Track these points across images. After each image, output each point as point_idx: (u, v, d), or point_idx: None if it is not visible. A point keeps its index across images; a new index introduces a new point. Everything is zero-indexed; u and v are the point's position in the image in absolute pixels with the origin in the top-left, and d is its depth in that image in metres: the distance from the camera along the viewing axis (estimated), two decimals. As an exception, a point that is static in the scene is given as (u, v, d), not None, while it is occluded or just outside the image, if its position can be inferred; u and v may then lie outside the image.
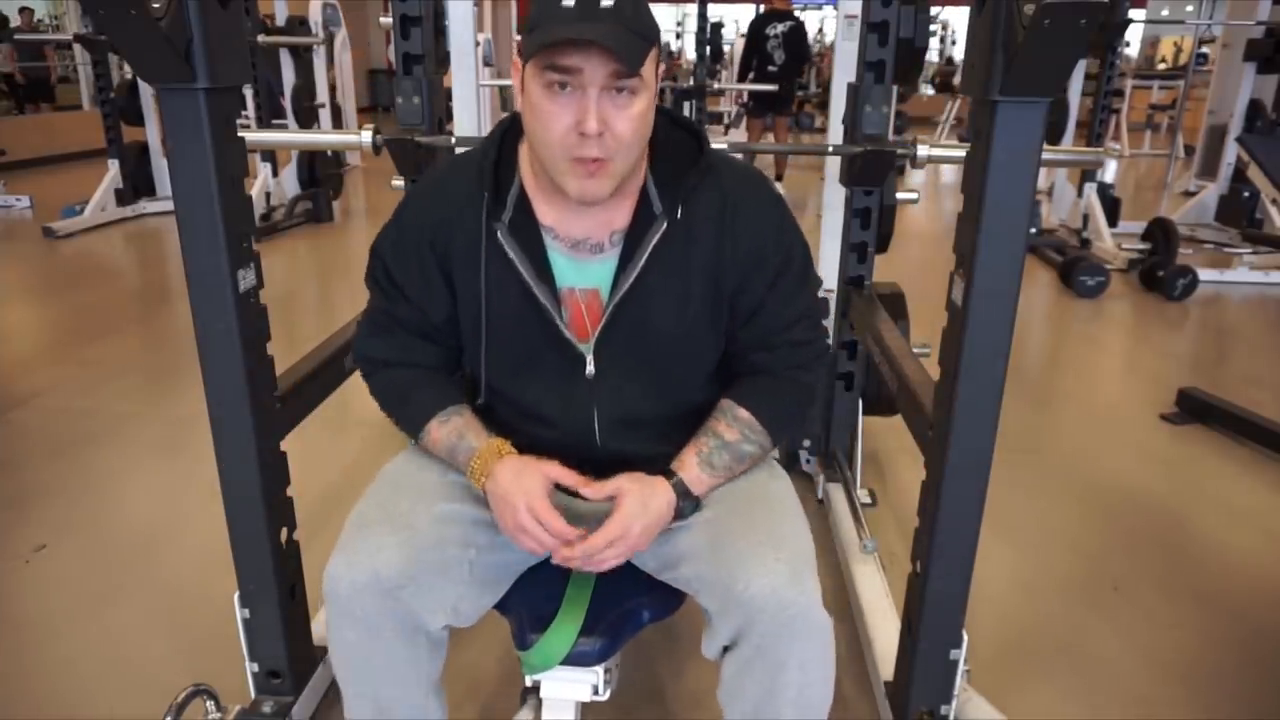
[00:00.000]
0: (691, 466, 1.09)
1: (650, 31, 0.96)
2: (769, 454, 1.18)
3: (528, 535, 1.02)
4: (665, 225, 1.06)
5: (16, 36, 9.44)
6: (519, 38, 1.02)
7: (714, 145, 1.12)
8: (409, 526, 1.04)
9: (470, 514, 1.09)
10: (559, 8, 0.93)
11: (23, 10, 10.53)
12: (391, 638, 1.03)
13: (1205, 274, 4.64)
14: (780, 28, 7.10)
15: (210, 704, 1.35)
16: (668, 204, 1.06)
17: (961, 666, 1.32)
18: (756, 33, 7.21)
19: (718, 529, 1.06)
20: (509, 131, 1.10)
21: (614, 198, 1.04)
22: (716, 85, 8.24)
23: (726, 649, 1.02)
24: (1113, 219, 5.45)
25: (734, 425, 1.11)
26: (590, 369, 1.09)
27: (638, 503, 1.03)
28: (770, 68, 7.13)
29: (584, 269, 1.09)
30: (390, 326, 1.15)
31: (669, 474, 1.08)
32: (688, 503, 1.07)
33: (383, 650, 1.04)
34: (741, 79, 7.53)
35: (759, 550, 1.00)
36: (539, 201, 1.09)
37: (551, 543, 1.02)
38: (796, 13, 7.45)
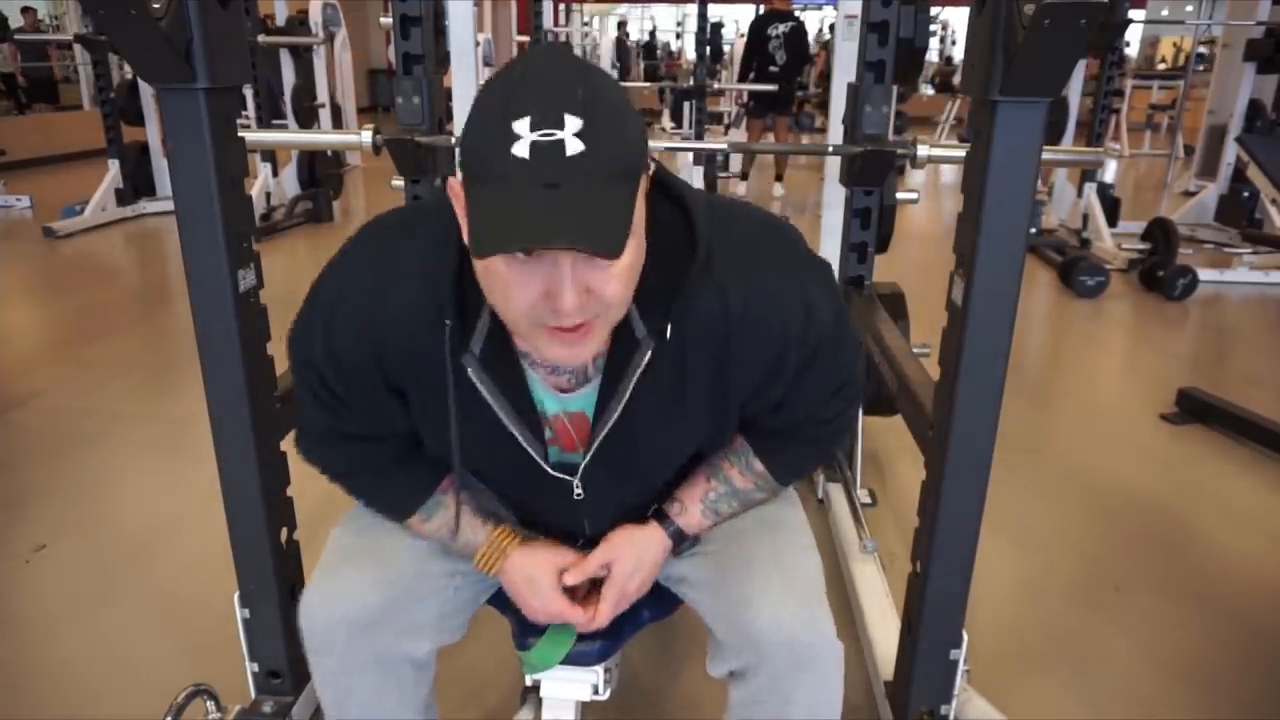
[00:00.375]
0: (694, 513, 1.03)
1: (633, 160, 0.73)
2: (774, 496, 1.09)
3: (538, 613, 1.02)
4: (651, 351, 0.86)
5: (17, 36, 9.44)
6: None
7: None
8: (389, 561, 1.00)
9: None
10: (508, 160, 0.69)
11: (25, 10, 10.52)
12: (373, 669, 1.00)
13: (1205, 274, 4.64)
14: (782, 28, 7.12)
15: (210, 704, 1.35)
16: (654, 323, 0.85)
17: (961, 666, 1.32)
18: (758, 33, 7.23)
19: (723, 557, 1.02)
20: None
21: None
22: (716, 85, 8.24)
23: (733, 672, 1.00)
24: (1113, 219, 5.45)
25: (747, 474, 1.03)
26: (578, 493, 0.99)
27: (630, 564, 1.01)
28: (771, 68, 7.14)
29: (565, 401, 0.94)
30: (339, 440, 0.99)
31: (662, 517, 1.03)
32: (685, 545, 1.04)
33: (365, 682, 1.01)
34: (742, 79, 7.55)
35: (767, 581, 0.96)
36: None
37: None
38: (796, 13, 7.47)
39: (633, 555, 1.01)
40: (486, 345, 0.87)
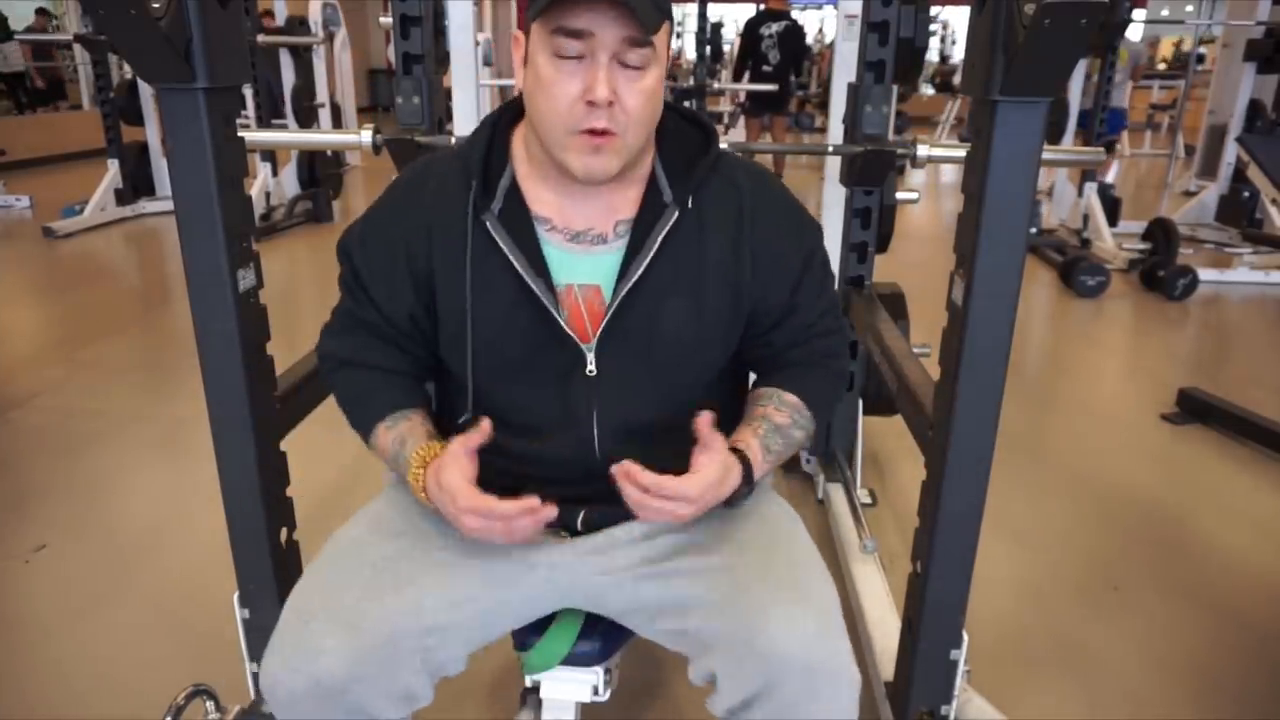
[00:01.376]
0: (755, 449, 1.01)
1: (665, 1, 0.90)
2: (810, 439, 1.11)
3: (489, 533, 0.93)
4: (676, 215, 0.99)
5: (18, 36, 9.43)
6: (517, 32, 0.97)
7: (695, 111, 1.10)
8: (354, 624, 0.93)
9: (430, 601, 0.97)
10: None
11: (39, 11, 10.49)
12: None
13: (1205, 274, 4.65)
14: (775, 27, 7.09)
15: (210, 704, 1.35)
16: (679, 193, 1.00)
17: (961, 666, 1.32)
18: (751, 32, 7.20)
19: (731, 575, 0.96)
20: (499, 122, 1.04)
21: (620, 183, 0.98)
22: (716, 85, 8.24)
23: (742, 702, 0.91)
24: (1113, 219, 5.46)
25: (783, 409, 1.06)
26: (591, 368, 1.00)
27: (718, 471, 0.94)
28: (765, 68, 7.13)
29: (584, 262, 1.00)
30: (353, 327, 1.08)
31: (739, 454, 0.98)
32: (745, 488, 0.99)
33: None
34: (737, 79, 7.53)
35: (782, 601, 0.91)
36: (534, 190, 1.01)
37: (515, 528, 0.92)
38: (795, 13, 7.44)
39: (723, 467, 0.94)
40: (504, 204, 1.00)
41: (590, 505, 1.05)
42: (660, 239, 0.98)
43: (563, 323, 0.98)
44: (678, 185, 1.00)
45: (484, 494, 0.91)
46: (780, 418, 1.06)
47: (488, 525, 0.92)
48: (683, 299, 1.00)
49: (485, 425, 0.94)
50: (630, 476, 0.90)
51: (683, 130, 1.04)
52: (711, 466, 0.93)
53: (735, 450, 0.99)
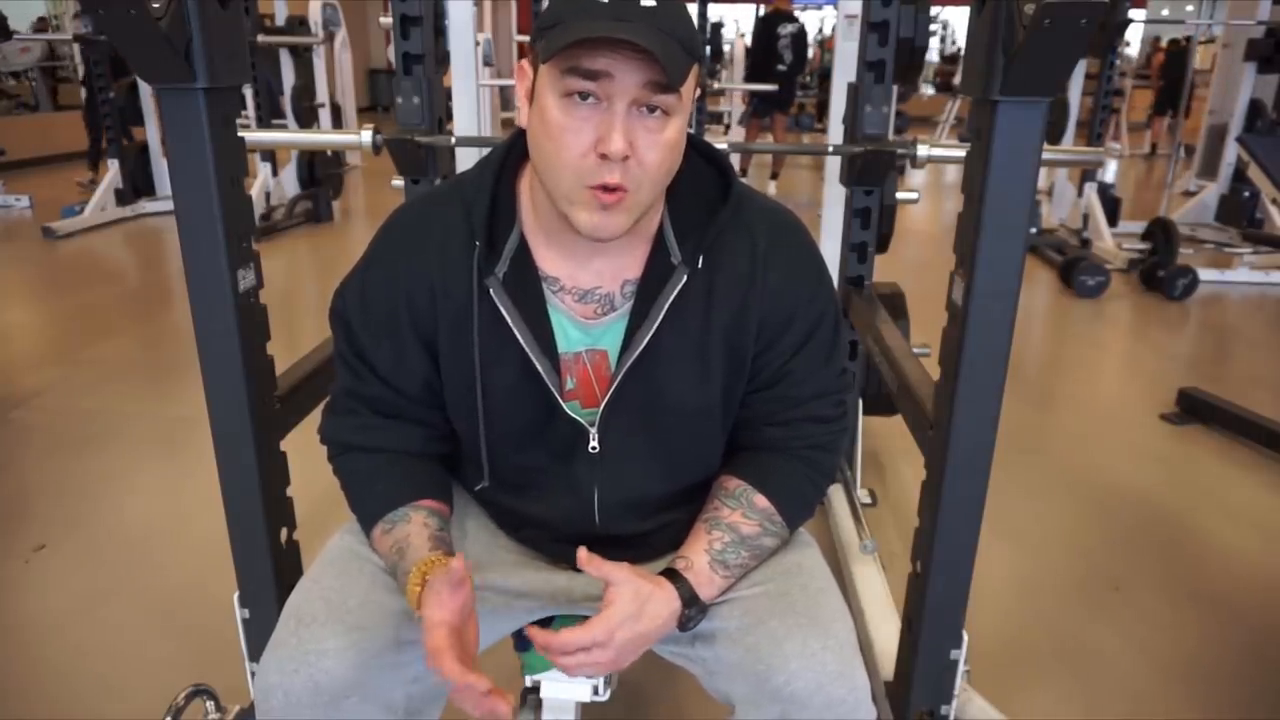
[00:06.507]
0: (702, 568, 0.92)
1: (694, 44, 0.81)
2: (783, 542, 1.02)
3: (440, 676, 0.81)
4: (685, 278, 0.91)
5: (17, 36, 9.40)
6: (521, 38, 0.89)
7: (714, 146, 1.06)
8: (359, 626, 0.90)
9: None
10: (588, 2, 0.78)
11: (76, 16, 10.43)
12: None
13: (1205, 274, 4.65)
14: (790, 28, 7.39)
15: (210, 704, 1.35)
16: (688, 252, 0.92)
17: (961, 666, 1.32)
18: (768, 32, 7.44)
19: (747, 607, 0.93)
20: (505, 164, 0.95)
21: (628, 240, 0.89)
22: (716, 85, 8.28)
23: None
24: (1113, 219, 5.46)
25: (752, 516, 0.96)
26: (594, 444, 0.96)
27: (630, 605, 0.86)
28: (780, 67, 7.35)
29: (591, 331, 0.94)
30: (354, 408, 1.00)
31: (673, 575, 0.91)
32: (694, 610, 0.91)
33: None
34: (749, 79, 7.73)
35: (800, 637, 0.88)
36: (541, 248, 0.94)
37: (465, 698, 0.79)
38: (796, 13, 7.71)
39: (637, 597, 0.87)
40: (510, 268, 0.92)
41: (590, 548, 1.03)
42: (667, 306, 0.91)
43: (563, 403, 0.94)
44: (688, 243, 0.92)
45: (449, 649, 0.79)
46: (748, 527, 0.96)
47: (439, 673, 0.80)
48: (687, 364, 0.94)
49: (457, 566, 0.82)
50: (538, 641, 0.85)
51: (698, 174, 0.95)
52: (619, 602, 0.85)
53: (671, 573, 0.92)
